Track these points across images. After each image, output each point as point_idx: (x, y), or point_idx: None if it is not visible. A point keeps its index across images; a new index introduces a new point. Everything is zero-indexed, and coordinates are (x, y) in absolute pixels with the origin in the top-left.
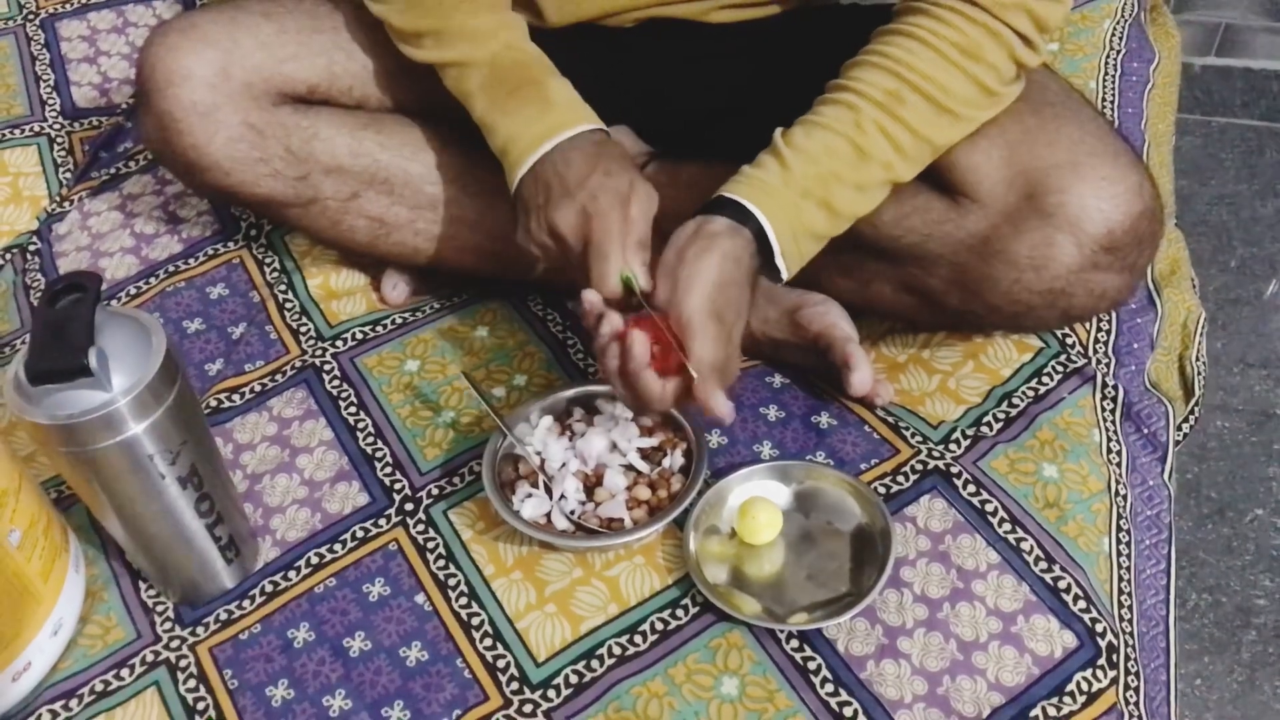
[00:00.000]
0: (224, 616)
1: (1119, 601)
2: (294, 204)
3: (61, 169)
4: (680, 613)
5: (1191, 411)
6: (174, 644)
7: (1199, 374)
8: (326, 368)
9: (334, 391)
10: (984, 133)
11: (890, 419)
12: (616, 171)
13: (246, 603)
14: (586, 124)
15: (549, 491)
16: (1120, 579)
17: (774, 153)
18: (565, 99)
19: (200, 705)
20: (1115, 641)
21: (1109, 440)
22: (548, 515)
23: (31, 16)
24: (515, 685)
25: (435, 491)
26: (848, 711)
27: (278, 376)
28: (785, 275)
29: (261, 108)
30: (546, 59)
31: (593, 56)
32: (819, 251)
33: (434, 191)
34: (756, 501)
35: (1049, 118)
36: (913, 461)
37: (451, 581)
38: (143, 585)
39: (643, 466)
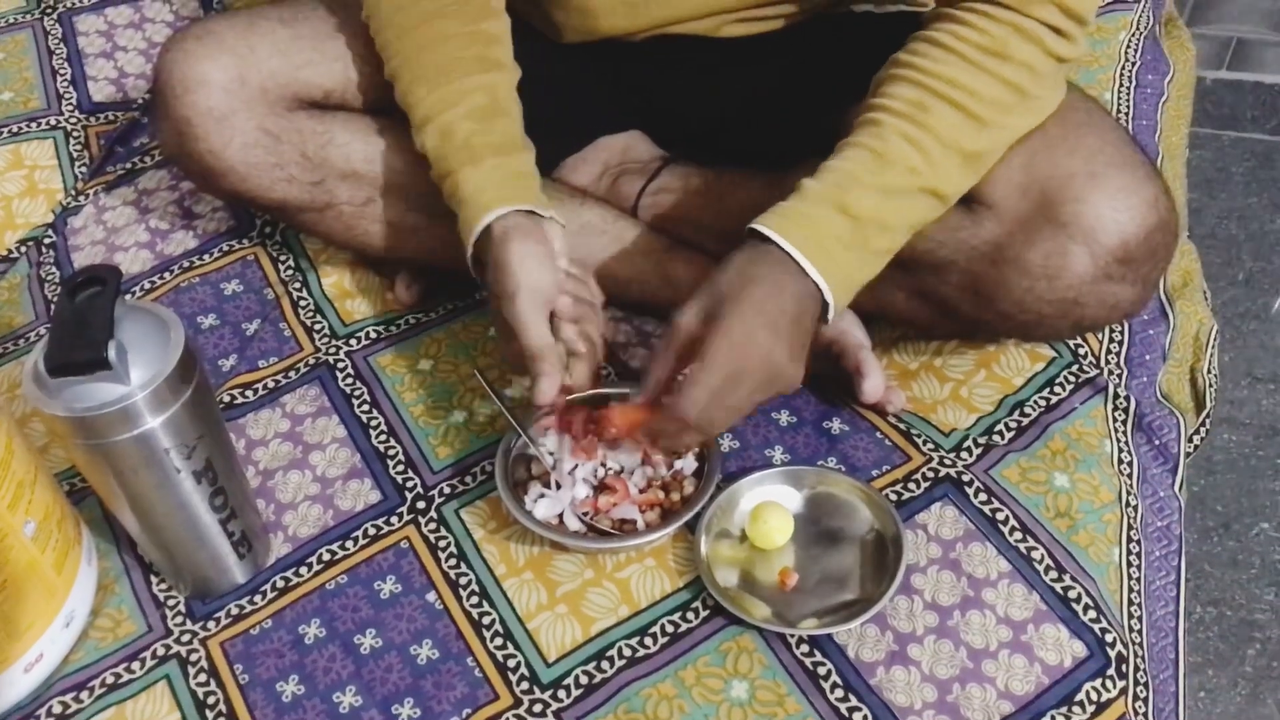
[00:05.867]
0: (235, 611)
1: (1129, 612)
2: (309, 209)
3: (77, 163)
4: (691, 615)
5: (1202, 424)
6: (185, 638)
7: (1210, 386)
8: (340, 365)
9: (347, 389)
10: None
11: (902, 426)
12: (498, 317)
13: (258, 598)
14: (487, 216)
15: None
16: (1130, 589)
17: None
18: (471, 191)
19: (211, 700)
20: (1125, 652)
21: (1120, 451)
22: (560, 516)
23: (49, 10)
24: (525, 685)
25: (447, 490)
26: (857, 717)
27: (291, 373)
28: (822, 284)
29: (277, 113)
30: (472, 139)
31: (605, 67)
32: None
33: None
34: (768, 506)
35: (1072, 126)
36: (924, 469)
37: (463, 580)
38: (154, 579)
39: (659, 468)
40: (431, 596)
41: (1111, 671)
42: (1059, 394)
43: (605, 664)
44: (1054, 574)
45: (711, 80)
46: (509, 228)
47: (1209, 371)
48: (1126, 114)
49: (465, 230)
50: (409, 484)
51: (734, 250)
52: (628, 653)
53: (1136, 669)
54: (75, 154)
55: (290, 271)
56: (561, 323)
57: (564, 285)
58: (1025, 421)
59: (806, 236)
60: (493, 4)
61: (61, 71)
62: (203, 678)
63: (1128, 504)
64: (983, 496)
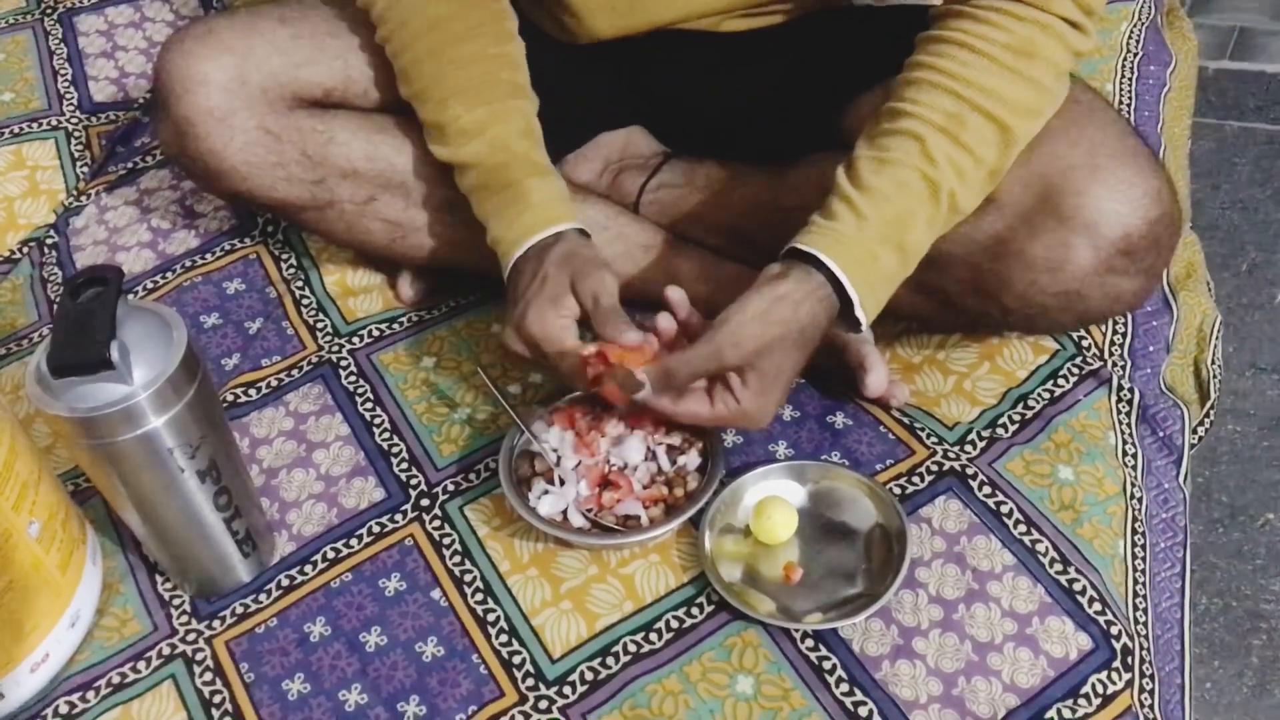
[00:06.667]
0: (240, 610)
1: (1134, 604)
2: (310, 207)
3: (79, 163)
4: (695, 611)
5: (1207, 415)
6: (190, 637)
7: (1214, 377)
8: (343, 364)
9: (350, 387)
10: None
11: (906, 420)
12: (553, 275)
13: (263, 597)
14: (559, 225)
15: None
16: (1135, 581)
17: (843, 198)
18: (541, 199)
19: (217, 699)
20: (1130, 644)
21: (1124, 443)
22: (564, 512)
23: (49, 11)
24: (531, 682)
25: (451, 488)
26: (863, 711)
27: (294, 372)
28: (865, 325)
29: (277, 112)
30: (532, 154)
31: (605, 64)
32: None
33: (450, 195)
34: (772, 501)
35: (1073, 118)
36: (928, 462)
37: (467, 578)
38: (159, 578)
39: (663, 464)
40: (436, 594)
41: (1117, 664)
42: (1063, 386)
43: (610, 660)
44: (1059, 567)
45: (712, 77)
46: (575, 233)
47: (1213, 362)
48: (1129, 105)
49: (526, 232)
50: (413, 482)
51: (795, 271)
52: (633, 649)
53: (1142, 661)
54: (77, 154)
55: (292, 270)
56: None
57: None
58: (1029, 414)
59: (871, 283)
60: (510, 28)
61: (62, 72)
62: (208, 677)
63: (1132, 496)
64: (987, 490)
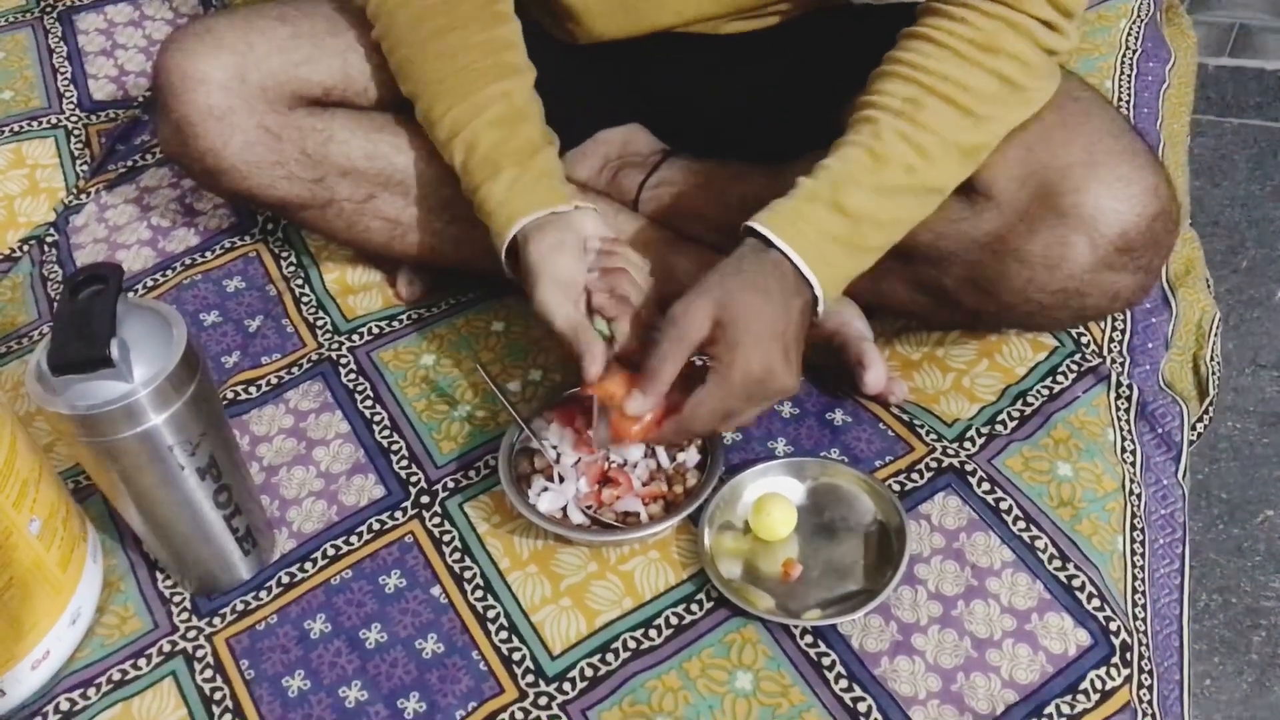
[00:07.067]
0: (240, 607)
1: (1133, 600)
2: (310, 205)
3: (79, 161)
4: (695, 607)
5: (1205, 411)
6: (191, 634)
7: (1213, 374)
8: (343, 361)
9: (350, 385)
10: None
11: (905, 417)
12: (565, 255)
13: (263, 594)
14: (514, 227)
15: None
16: (1134, 578)
17: (795, 182)
18: (497, 203)
19: (217, 695)
20: (1129, 640)
21: (1123, 439)
22: (563, 509)
23: (49, 9)
24: (531, 678)
25: (451, 485)
26: (862, 707)
27: (294, 369)
28: (810, 273)
29: (277, 111)
30: (497, 149)
31: (605, 64)
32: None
33: (449, 193)
34: (771, 498)
35: (1069, 115)
36: (927, 459)
37: (467, 574)
38: (160, 576)
39: (663, 460)
40: (436, 591)
41: (1116, 660)
42: (1061, 383)
43: (610, 656)
44: (1058, 563)
45: (712, 77)
46: (529, 232)
47: (1212, 359)
48: (1128, 102)
49: (497, 242)
50: (413, 479)
51: (733, 246)
52: (632, 645)
53: (1141, 657)
54: (76, 152)
55: (292, 268)
56: (594, 295)
57: (592, 264)
58: (1028, 411)
59: (801, 234)
60: (502, 10)
61: (62, 70)
62: (209, 674)
63: (1131, 492)
64: (986, 486)
